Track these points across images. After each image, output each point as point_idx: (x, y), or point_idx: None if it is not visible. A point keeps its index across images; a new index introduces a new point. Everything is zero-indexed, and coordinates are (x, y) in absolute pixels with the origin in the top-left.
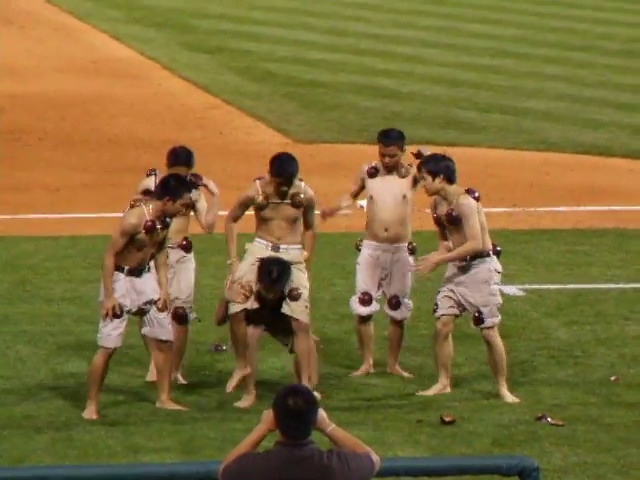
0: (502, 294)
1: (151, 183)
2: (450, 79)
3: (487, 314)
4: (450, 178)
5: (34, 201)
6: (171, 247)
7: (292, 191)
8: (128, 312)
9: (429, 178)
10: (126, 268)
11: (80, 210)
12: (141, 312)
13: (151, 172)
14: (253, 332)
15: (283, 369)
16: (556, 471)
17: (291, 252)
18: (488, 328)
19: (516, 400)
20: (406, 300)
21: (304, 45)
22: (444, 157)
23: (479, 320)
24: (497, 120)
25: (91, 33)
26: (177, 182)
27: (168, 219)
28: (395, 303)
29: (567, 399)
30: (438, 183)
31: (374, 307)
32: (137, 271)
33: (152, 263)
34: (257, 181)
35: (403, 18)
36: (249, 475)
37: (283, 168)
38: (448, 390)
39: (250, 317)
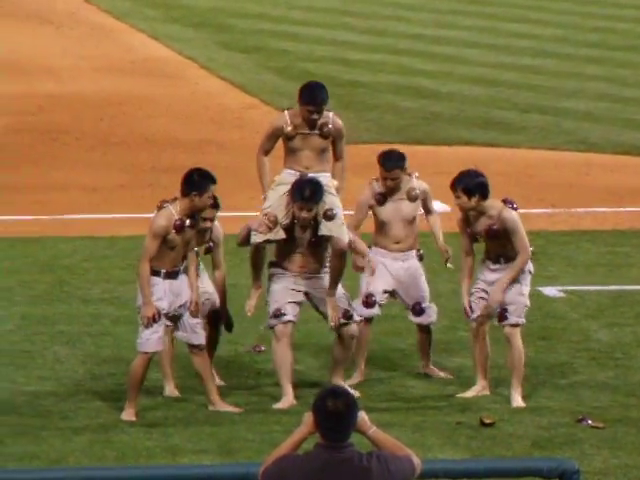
0: (542, 295)
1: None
2: (490, 79)
3: (512, 312)
4: (485, 195)
5: (71, 201)
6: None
7: (321, 121)
8: (166, 315)
9: (464, 197)
10: (163, 272)
11: (118, 210)
12: (176, 317)
13: (163, 203)
14: (283, 330)
15: (322, 369)
16: (597, 474)
17: (319, 178)
18: (511, 326)
19: (522, 405)
20: (428, 304)
21: (343, 45)
22: (477, 173)
23: (503, 317)
24: (537, 120)
25: (129, 33)
26: (200, 176)
27: (197, 216)
28: (419, 310)
29: (608, 401)
30: (474, 202)
31: (376, 310)
32: (174, 273)
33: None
34: (286, 111)
35: (443, 18)
36: (289, 477)
37: (314, 95)
38: (487, 392)
39: (287, 246)
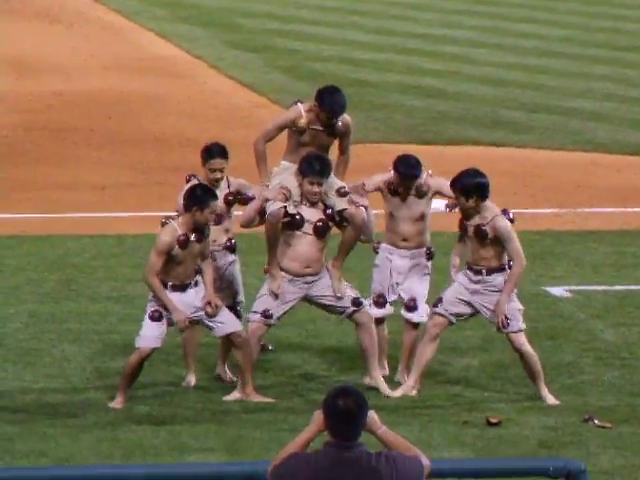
0: (549, 295)
1: None
2: (497, 79)
3: (511, 319)
4: (483, 196)
5: (80, 200)
6: (217, 250)
7: None
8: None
9: (462, 198)
10: (169, 284)
11: (126, 209)
12: (197, 321)
13: (190, 177)
14: (260, 331)
15: (329, 368)
16: (603, 473)
17: None
18: (515, 332)
19: (557, 402)
20: (424, 304)
21: (351, 45)
22: (477, 173)
23: (505, 326)
24: (544, 120)
25: (138, 32)
26: (203, 191)
27: (206, 230)
28: (413, 306)
29: (614, 401)
30: (472, 203)
31: (388, 309)
32: (181, 287)
33: (199, 278)
34: (299, 104)
35: (450, 18)
36: (297, 475)
37: (335, 102)
38: (414, 393)
39: (292, 237)
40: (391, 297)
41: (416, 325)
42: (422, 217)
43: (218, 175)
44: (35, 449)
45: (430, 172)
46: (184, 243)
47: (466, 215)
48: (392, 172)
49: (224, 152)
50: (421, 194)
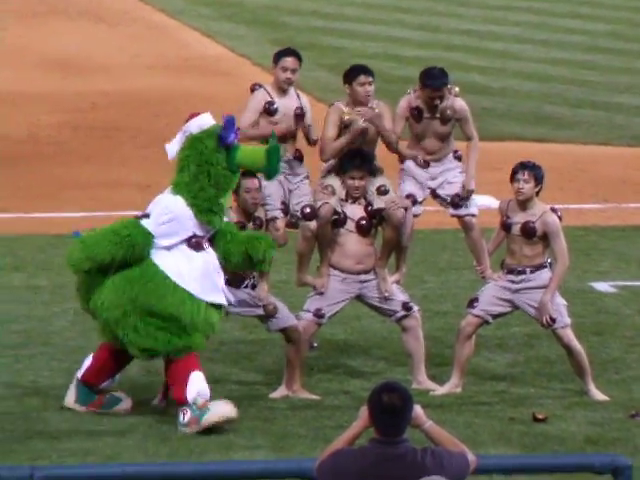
0: (594, 291)
1: (259, 98)
2: (541, 75)
3: (557, 315)
4: (539, 191)
5: (126, 198)
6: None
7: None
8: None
9: (532, 182)
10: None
11: None
12: (256, 316)
13: (255, 86)
14: (311, 329)
15: (374, 365)
16: None
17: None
18: (562, 328)
19: (606, 398)
20: (469, 199)
21: (396, 42)
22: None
23: (551, 322)
24: (589, 116)
25: (183, 30)
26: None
27: (258, 217)
28: (458, 202)
29: None
30: (535, 192)
31: (417, 209)
32: (235, 282)
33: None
34: (336, 103)
35: (495, 14)
36: (343, 471)
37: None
38: (459, 390)
39: (340, 236)
40: (420, 196)
41: (469, 223)
42: (448, 134)
43: (289, 75)
44: (82, 447)
45: (457, 90)
46: (240, 229)
47: (506, 208)
48: (413, 93)
49: (297, 55)
50: (445, 118)
